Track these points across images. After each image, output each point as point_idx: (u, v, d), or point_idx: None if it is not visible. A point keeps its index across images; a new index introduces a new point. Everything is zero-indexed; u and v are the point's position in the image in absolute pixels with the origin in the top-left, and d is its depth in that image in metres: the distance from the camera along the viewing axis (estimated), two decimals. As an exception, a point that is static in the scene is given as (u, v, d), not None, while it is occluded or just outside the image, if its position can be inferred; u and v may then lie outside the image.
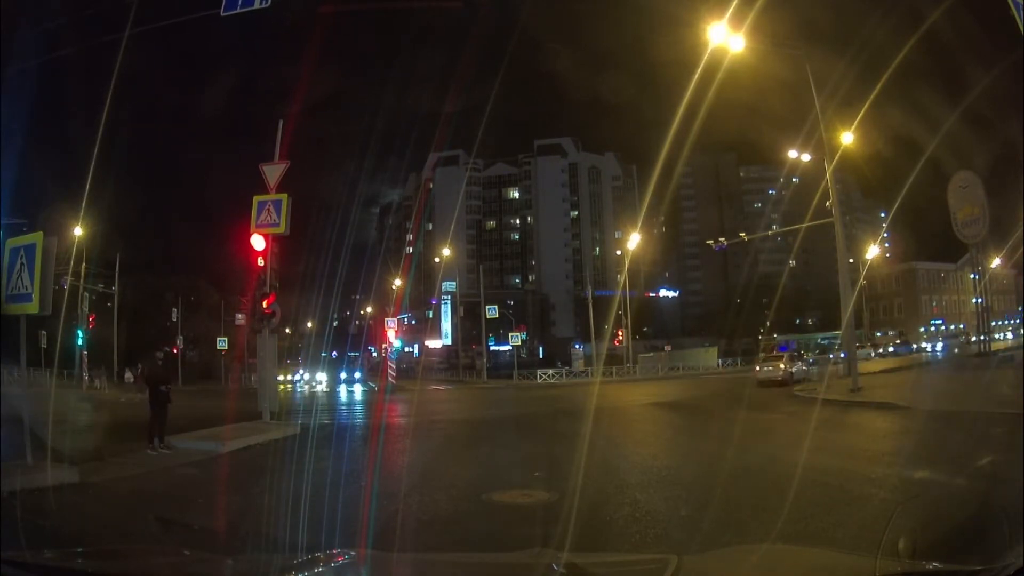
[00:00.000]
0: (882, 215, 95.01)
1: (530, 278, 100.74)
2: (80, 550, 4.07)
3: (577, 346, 73.03)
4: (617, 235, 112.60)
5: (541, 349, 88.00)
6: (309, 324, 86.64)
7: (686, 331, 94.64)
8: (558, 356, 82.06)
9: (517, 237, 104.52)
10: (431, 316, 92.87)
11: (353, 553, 4.30)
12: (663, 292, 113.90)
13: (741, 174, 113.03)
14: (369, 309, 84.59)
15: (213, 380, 46.65)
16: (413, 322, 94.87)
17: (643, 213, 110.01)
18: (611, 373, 48.62)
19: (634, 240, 56.46)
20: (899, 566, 2.48)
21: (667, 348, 63.62)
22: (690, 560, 3.18)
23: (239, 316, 50.94)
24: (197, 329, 50.80)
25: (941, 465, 8.37)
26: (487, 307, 58.02)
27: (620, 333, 55.55)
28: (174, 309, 48.82)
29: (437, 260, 79.73)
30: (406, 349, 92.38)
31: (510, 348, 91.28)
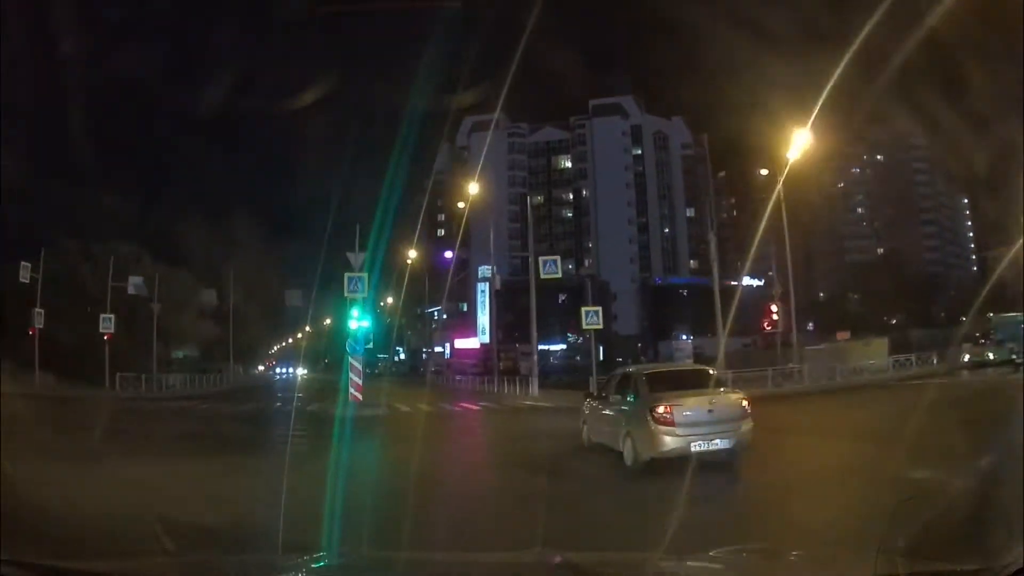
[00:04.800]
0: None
1: (586, 262, 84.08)
2: (80, 550, 4.40)
3: (684, 338, 56.77)
4: (689, 213, 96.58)
5: (603, 350, 71.26)
6: (328, 321, 74.19)
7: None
8: (623, 358, 65.78)
9: (570, 214, 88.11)
10: (465, 309, 77.32)
11: (353, 553, 4.33)
12: (748, 281, 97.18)
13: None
14: (389, 300, 69.40)
15: (80, 379, 30.39)
16: (444, 316, 79.56)
17: (712, 190, 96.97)
18: (766, 381, 29.12)
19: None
20: (898, 566, 2.49)
21: (843, 337, 43.59)
22: (689, 560, 3.37)
23: (134, 281, 36.80)
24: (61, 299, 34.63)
25: None
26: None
27: (771, 321, 38.52)
28: (25, 266, 32.31)
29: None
30: (436, 349, 77.28)
31: (563, 347, 75.66)
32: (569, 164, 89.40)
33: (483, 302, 65.09)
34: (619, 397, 10.97)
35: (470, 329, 72.54)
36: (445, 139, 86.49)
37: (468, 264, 79.23)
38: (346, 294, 22.52)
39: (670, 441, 9.24)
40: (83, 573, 2.97)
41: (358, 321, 23.19)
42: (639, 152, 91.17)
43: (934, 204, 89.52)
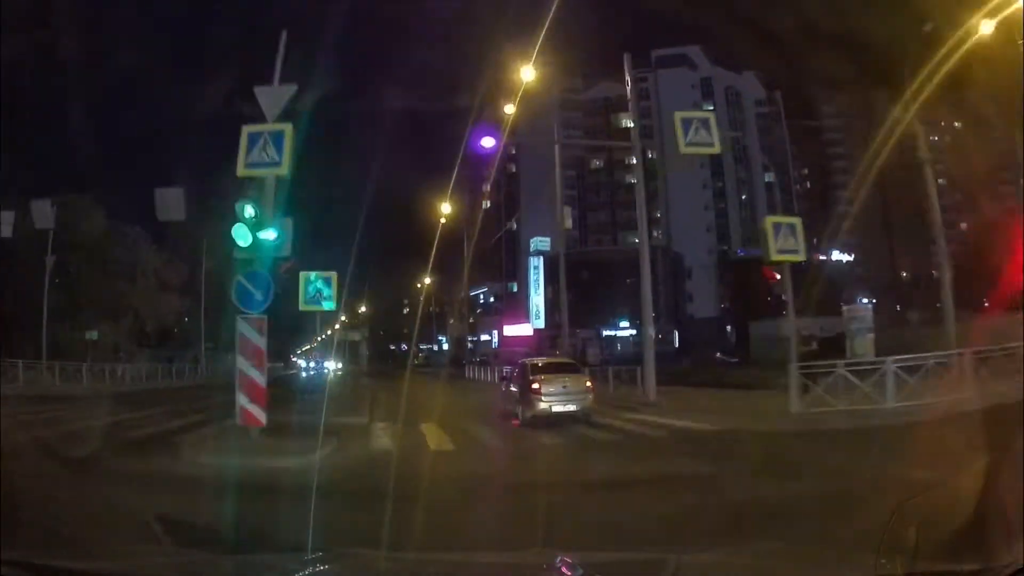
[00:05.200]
0: None
1: (655, 234, 72.99)
2: (80, 550, 4.20)
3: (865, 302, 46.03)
4: (767, 178, 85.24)
5: (677, 335, 60.16)
6: (363, 308, 66.71)
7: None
8: (701, 345, 55.43)
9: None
10: (515, 290, 67.01)
11: (353, 552, 4.14)
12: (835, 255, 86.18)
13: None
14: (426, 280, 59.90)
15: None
16: (491, 300, 69.39)
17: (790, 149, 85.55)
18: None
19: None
20: (898, 566, 2.53)
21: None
22: (690, 559, 3.31)
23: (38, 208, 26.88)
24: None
25: None
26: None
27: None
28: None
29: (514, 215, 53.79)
30: (482, 337, 67.41)
31: (634, 332, 64.59)
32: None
33: (536, 280, 54.68)
34: (512, 376, 18.58)
35: (520, 314, 62.28)
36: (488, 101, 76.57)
37: (519, 239, 68.92)
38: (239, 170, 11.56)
39: (540, 405, 15.08)
40: (83, 573, 2.98)
41: (251, 223, 11.04)
42: (711, 108, 79.80)
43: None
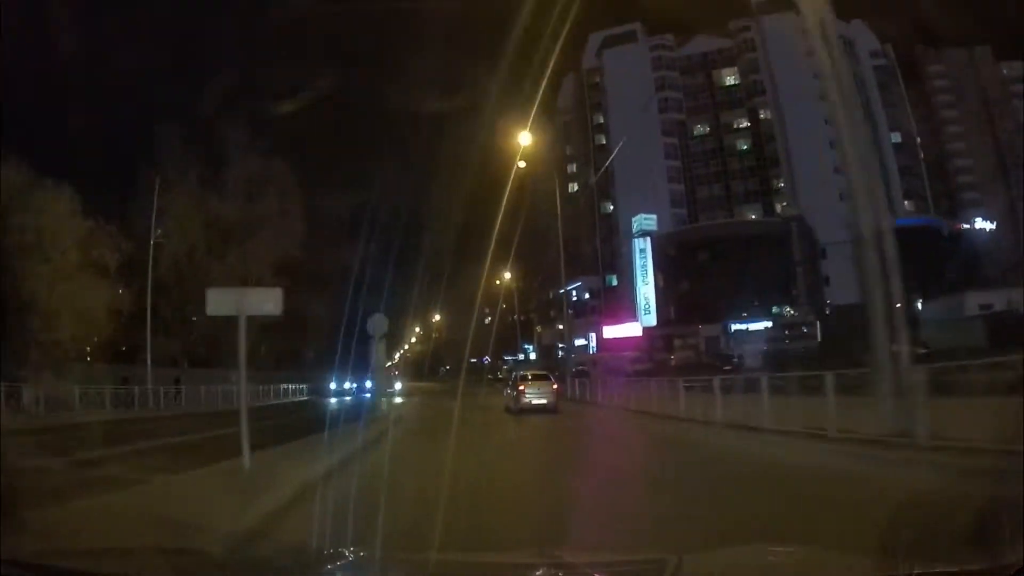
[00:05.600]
0: None
1: (777, 208, 61.04)
2: (80, 550, 4.12)
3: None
4: (893, 139, 72.88)
5: (820, 328, 48.16)
6: (437, 317, 63.47)
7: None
8: (845, 342, 42.90)
9: (745, 146, 65.11)
10: (614, 283, 56.45)
11: (353, 552, 4.15)
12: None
13: (1004, 72, 76.71)
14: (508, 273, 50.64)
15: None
16: (586, 297, 58.98)
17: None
18: None
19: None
20: (900, 566, 2.51)
21: None
22: (689, 560, 3.19)
23: None
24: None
25: None
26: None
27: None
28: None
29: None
30: (577, 342, 57.34)
31: (767, 326, 52.89)
32: (737, 80, 66.36)
33: (643, 266, 43.91)
34: (511, 383, 25.24)
35: (623, 311, 51.77)
36: (555, 73, 66.35)
37: (616, 222, 58.49)
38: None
39: (523, 401, 22.24)
40: (83, 573, 2.92)
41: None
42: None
43: None
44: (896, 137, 72.72)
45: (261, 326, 27.20)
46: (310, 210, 37.00)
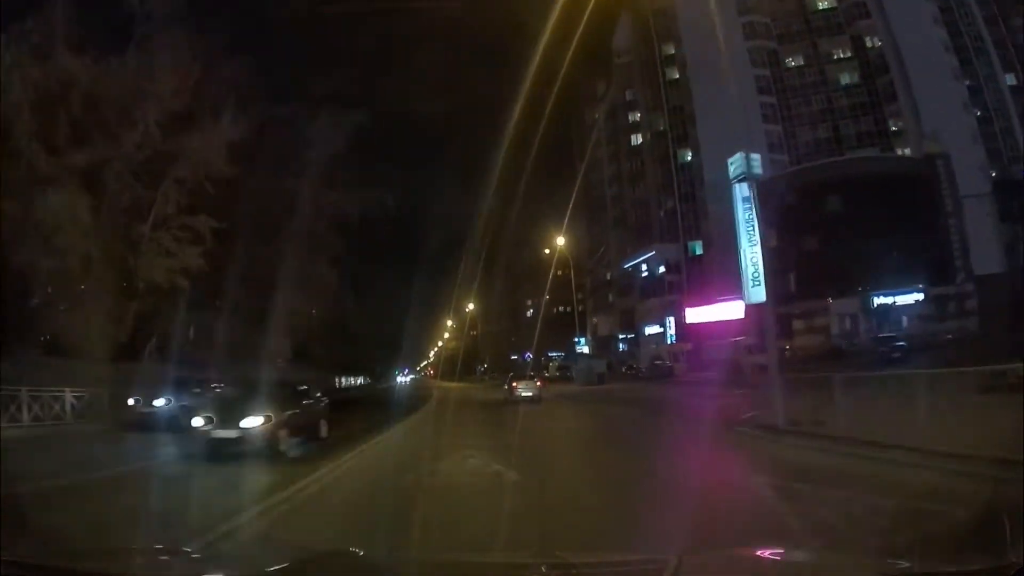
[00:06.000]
0: None
1: (902, 152, 48.88)
2: (80, 550, 4.15)
3: None
4: (1009, 81, 60.30)
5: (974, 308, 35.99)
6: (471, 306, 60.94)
7: None
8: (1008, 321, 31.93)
9: (851, 79, 53.00)
10: (698, 252, 44.89)
11: (353, 553, 4.17)
12: None
13: None
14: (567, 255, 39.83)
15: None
16: (660, 271, 47.58)
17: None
18: None
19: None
20: (900, 567, 2.48)
21: None
22: (689, 560, 3.16)
23: None
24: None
25: None
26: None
27: None
28: None
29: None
30: (646, 331, 46.46)
31: (919, 297, 40.59)
32: (834, 2, 54.10)
33: (748, 220, 31.78)
34: (507, 380, 31.89)
35: (712, 287, 40.28)
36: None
37: (695, 174, 46.94)
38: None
39: (515, 394, 28.39)
40: (83, 573, 2.92)
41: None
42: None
43: None
44: (1010, 79, 60.32)
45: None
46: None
